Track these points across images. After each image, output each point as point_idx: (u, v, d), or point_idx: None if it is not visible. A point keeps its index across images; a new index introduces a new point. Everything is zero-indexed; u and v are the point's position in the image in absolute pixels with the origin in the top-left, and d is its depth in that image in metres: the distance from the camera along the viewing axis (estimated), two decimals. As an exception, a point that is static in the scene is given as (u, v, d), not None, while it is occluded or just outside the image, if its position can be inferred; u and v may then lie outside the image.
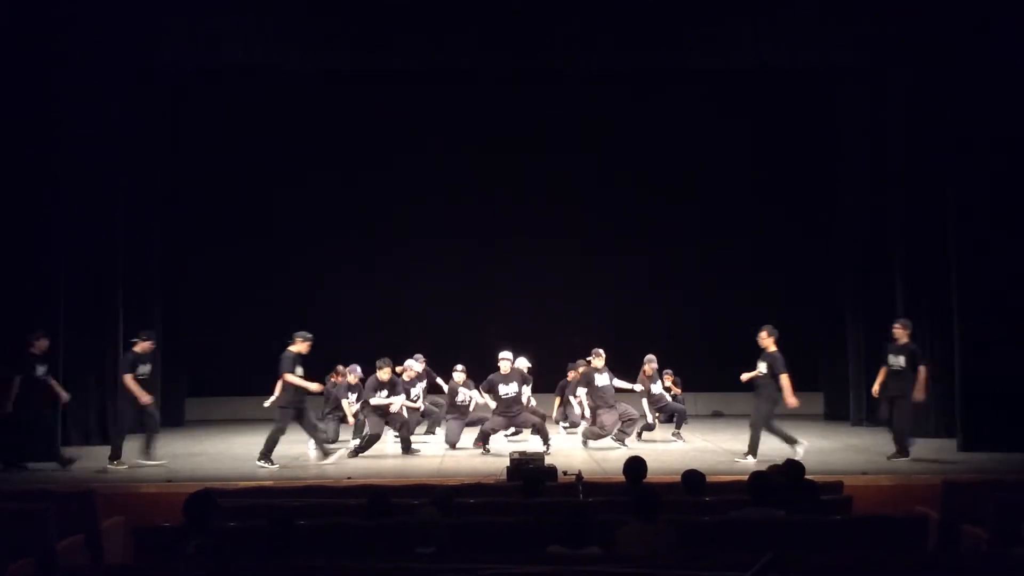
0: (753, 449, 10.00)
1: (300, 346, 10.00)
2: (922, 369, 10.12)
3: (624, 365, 11.65)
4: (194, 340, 14.56)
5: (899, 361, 10.14)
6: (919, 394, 10.12)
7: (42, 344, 10.33)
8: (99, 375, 12.30)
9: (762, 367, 10.10)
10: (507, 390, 10.73)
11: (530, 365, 11.72)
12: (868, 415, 13.56)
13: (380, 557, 5.38)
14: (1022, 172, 11.34)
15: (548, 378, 13.56)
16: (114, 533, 7.72)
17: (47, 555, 6.56)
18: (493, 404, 10.99)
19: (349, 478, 9.16)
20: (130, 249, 12.91)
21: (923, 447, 11.48)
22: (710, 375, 15.24)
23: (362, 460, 10.55)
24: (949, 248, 11.74)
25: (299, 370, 10.01)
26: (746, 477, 6.75)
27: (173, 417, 14.09)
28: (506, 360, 10.81)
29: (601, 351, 11.51)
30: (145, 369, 10.22)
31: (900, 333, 10.22)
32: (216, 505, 5.80)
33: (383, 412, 10.50)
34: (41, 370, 10.27)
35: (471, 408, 11.52)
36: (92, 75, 12.07)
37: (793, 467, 7.04)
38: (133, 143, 12.94)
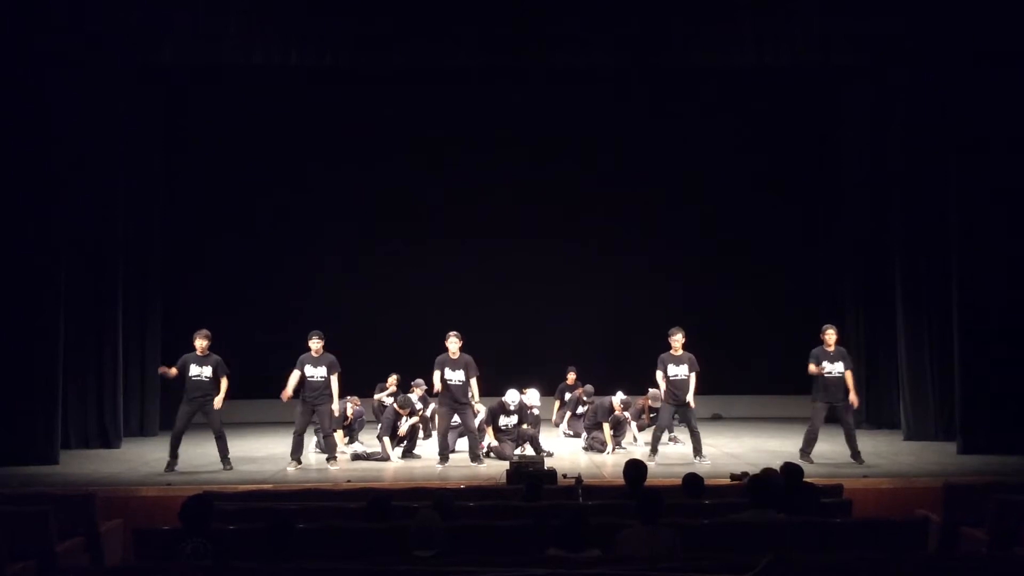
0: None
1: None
2: (849, 373, 10.22)
3: (625, 366, 11.64)
4: (194, 342, 14.50)
5: (837, 368, 10.15)
6: (856, 397, 10.29)
7: (199, 344, 10.15)
8: (99, 376, 12.30)
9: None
10: (507, 421, 11.13)
11: (540, 405, 11.78)
12: (868, 417, 13.56)
13: (380, 560, 5.38)
14: (1023, 172, 11.34)
15: (548, 381, 13.54)
16: (114, 536, 7.73)
17: (47, 557, 6.58)
18: (491, 431, 11.18)
19: (349, 481, 9.16)
20: (130, 250, 12.92)
21: (923, 449, 11.49)
22: (710, 377, 15.17)
23: (362, 463, 10.56)
24: (950, 248, 11.74)
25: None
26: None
27: (173, 420, 14.02)
28: (511, 403, 11.09)
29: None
30: (316, 372, 10.20)
31: (833, 340, 10.22)
32: (213, 509, 5.80)
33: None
34: (195, 371, 10.12)
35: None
36: (92, 74, 12.06)
37: (792, 470, 7.04)
38: (133, 142, 12.94)
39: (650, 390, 12.39)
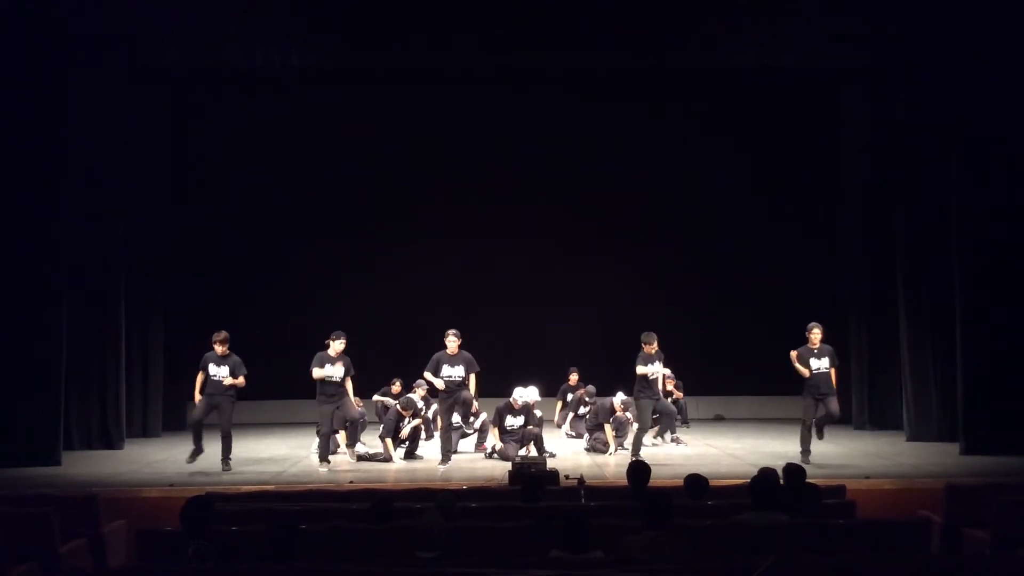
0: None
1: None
2: (833, 371, 10.43)
3: (626, 367, 11.58)
4: (196, 344, 14.52)
5: (823, 364, 10.34)
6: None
7: (218, 348, 10.06)
8: (101, 377, 12.29)
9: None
10: (513, 422, 11.10)
11: (539, 399, 11.75)
12: (871, 418, 13.57)
13: (382, 561, 5.38)
14: (1023, 171, 11.34)
15: (550, 381, 13.54)
16: (116, 537, 7.72)
17: (50, 559, 6.57)
18: (496, 431, 11.18)
19: (351, 482, 9.15)
20: (132, 251, 12.91)
21: (926, 450, 11.49)
22: (712, 378, 15.25)
23: (365, 464, 10.55)
24: (951, 249, 11.74)
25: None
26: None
27: (175, 421, 14.09)
28: (519, 399, 11.13)
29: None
30: (334, 372, 10.21)
31: (819, 339, 10.40)
32: (213, 510, 5.80)
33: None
34: (213, 370, 10.02)
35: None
36: (92, 74, 12.08)
37: (794, 471, 7.04)
38: (133, 143, 12.93)
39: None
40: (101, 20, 12.08)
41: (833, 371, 10.41)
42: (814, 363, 10.32)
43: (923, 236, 12.46)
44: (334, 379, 10.20)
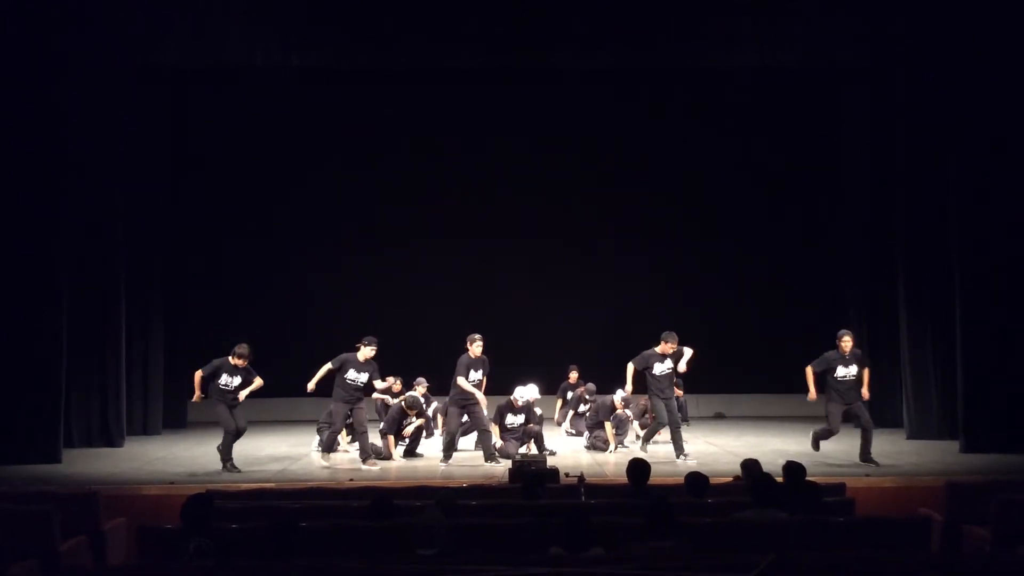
0: None
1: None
2: (865, 372, 10.24)
3: (626, 365, 11.61)
4: (196, 342, 14.53)
5: (851, 371, 10.14)
6: (867, 392, 10.31)
7: (237, 360, 9.92)
8: (101, 375, 12.29)
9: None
10: (513, 420, 11.15)
11: (538, 397, 11.71)
12: (871, 416, 13.54)
13: (382, 559, 5.39)
14: (1022, 171, 11.35)
15: (550, 380, 13.53)
16: (117, 535, 7.72)
17: (50, 557, 6.57)
18: (497, 429, 11.18)
19: (351, 480, 9.16)
20: (132, 251, 12.91)
21: (926, 448, 11.50)
22: (712, 376, 15.22)
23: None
24: (951, 249, 11.75)
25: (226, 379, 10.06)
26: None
27: (176, 419, 14.09)
28: (520, 399, 11.17)
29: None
30: (359, 377, 10.18)
31: (849, 347, 10.17)
32: (213, 507, 5.81)
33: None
34: (225, 379, 9.89)
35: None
36: (92, 74, 12.07)
37: (793, 469, 7.05)
38: (134, 143, 12.91)
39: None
40: (101, 20, 12.08)
41: (866, 372, 10.22)
42: (841, 371, 10.10)
43: (923, 236, 12.44)
44: (358, 383, 10.20)
